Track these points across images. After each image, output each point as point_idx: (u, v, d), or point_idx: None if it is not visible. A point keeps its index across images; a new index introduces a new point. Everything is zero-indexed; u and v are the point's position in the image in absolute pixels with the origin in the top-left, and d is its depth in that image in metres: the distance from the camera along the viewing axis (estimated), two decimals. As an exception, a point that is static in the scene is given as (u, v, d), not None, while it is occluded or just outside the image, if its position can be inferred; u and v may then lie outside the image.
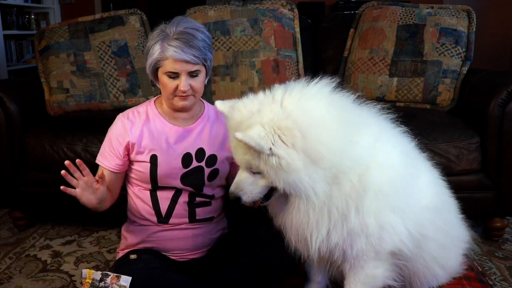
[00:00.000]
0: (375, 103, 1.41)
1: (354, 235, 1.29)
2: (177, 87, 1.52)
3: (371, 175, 1.26)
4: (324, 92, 1.26)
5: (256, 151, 1.18)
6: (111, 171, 1.61)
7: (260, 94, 1.27)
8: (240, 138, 1.15)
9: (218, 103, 1.33)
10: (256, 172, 1.24)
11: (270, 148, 1.15)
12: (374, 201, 1.27)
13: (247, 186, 1.27)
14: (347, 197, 1.25)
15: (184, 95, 1.53)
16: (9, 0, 4.74)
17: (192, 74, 1.53)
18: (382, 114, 1.41)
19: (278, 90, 1.25)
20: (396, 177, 1.31)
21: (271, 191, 1.29)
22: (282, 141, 1.15)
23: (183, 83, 1.51)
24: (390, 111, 1.43)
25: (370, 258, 1.36)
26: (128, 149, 1.61)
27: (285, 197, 1.28)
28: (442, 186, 1.54)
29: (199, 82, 1.56)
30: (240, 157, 1.25)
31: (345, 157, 1.21)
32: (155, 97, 1.71)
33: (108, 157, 1.61)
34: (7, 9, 4.79)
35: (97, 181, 1.45)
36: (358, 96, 1.38)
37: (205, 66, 1.56)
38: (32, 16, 5.19)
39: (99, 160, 1.64)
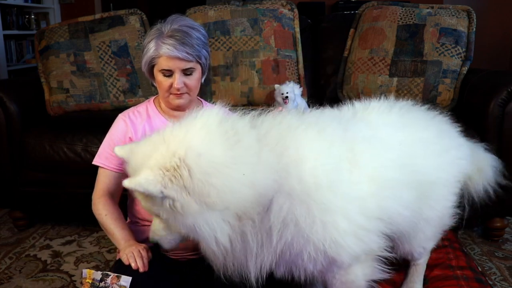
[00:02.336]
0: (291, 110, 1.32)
1: (294, 261, 1.23)
2: (171, 85, 1.53)
3: (273, 208, 1.15)
4: (211, 125, 1.15)
5: (151, 197, 1.10)
6: (113, 171, 1.60)
7: (154, 135, 1.20)
8: (127, 186, 1.07)
9: (117, 149, 1.27)
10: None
11: (162, 192, 1.07)
12: (286, 232, 1.17)
13: (161, 232, 1.22)
14: (259, 230, 1.16)
15: (178, 93, 1.53)
16: (9, 0, 4.73)
17: (186, 72, 1.53)
18: (297, 113, 1.31)
19: (168, 129, 1.18)
20: (307, 195, 1.17)
21: None
22: (173, 183, 1.07)
23: (177, 80, 1.51)
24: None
25: (338, 269, 1.29)
26: None
27: None
28: (392, 154, 1.34)
29: (193, 80, 1.56)
30: (144, 205, 1.17)
31: (243, 196, 1.10)
32: (154, 96, 1.70)
33: (110, 157, 1.59)
34: (7, 9, 4.79)
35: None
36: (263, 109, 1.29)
37: (200, 64, 1.56)
38: (32, 16, 5.19)
39: (99, 161, 1.61)
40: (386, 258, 1.37)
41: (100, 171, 1.61)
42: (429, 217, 1.46)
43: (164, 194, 1.08)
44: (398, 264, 1.59)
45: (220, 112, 1.20)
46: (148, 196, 1.11)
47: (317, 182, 1.17)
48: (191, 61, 1.52)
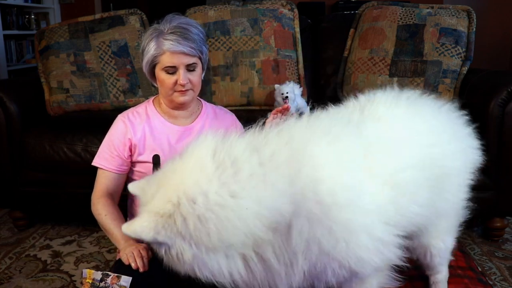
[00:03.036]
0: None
1: (318, 277, 1.19)
2: (175, 82, 1.52)
3: (293, 235, 1.09)
4: (203, 161, 1.08)
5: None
6: (113, 172, 1.60)
7: (162, 171, 1.17)
8: (124, 231, 1.07)
9: (130, 186, 1.24)
10: None
11: (156, 238, 1.04)
12: (311, 254, 1.13)
13: None
14: (283, 251, 1.12)
15: (183, 89, 1.53)
16: (9, 0, 4.73)
17: (189, 68, 1.53)
18: (304, 123, 1.21)
19: (169, 166, 1.14)
20: (327, 215, 1.11)
21: None
22: (165, 230, 1.03)
23: (182, 76, 1.51)
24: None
25: (357, 280, 1.28)
26: (131, 150, 1.60)
27: None
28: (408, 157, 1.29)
29: (196, 76, 1.56)
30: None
31: (249, 231, 1.04)
32: (154, 97, 1.70)
33: (110, 159, 1.59)
34: (7, 9, 4.78)
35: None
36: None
37: (201, 59, 1.57)
38: (32, 16, 5.18)
39: (98, 162, 1.60)
40: (398, 267, 1.35)
41: (99, 172, 1.60)
42: (445, 210, 1.43)
43: (158, 241, 1.05)
44: (409, 274, 1.57)
45: (213, 143, 1.11)
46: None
47: (336, 202, 1.11)
48: (194, 55, 1.52)
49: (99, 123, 2.05)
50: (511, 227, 2.41)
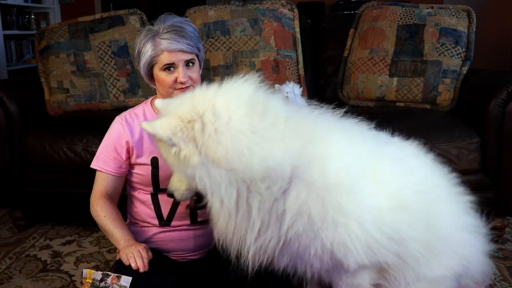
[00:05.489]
0: (325, 105, 1.32)
1: (300, 254, 1.22)
2: (175, 80, 1.52)
3: (291, 194, 1.16)
4: (242, 90, 1.20)
5: (163, 143, 1.19)
6: (112, 174, 1.59)
7: (188, 92, 1.31)
8: (143, 126, 1.19)
9: (158, 101, 1.34)
10: None
11: (171, 139, 1.15)
12: (299, 222, 1.17)
13: (176, 183, 1.29)
14: (270, 211, 1.18)
15: (184, 86, 1.52)
16: (9, 0, 4.73)
17: (188, 64, 1.53)
18: (325, 114, 1.30)
19: (202, 86, 1.24)
20: (325, 191, 1.17)
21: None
22: (182, 133, 1.15)
23: (182, 73, 1.51)
24: (349, 112, 1.34)
25: (344, 272, 1.29)
26: (129, 152, 1.59)
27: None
28: (416, 178, 1.34)
29: (195, 72, 1.56)
30: (161, 152, 1.26)
31: (251, 163, 1.12)
32: (151, 98, 1.69)
33: (108, 161, 1.58)
34: (7, 9, 4.79)
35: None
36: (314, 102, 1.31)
37: (198, 56, 1.57)
38: (32, 16, 5.19)
39: (97, 165, 1.59)
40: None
41: (98, 174, 1.60)
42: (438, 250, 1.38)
43: (172, 142, 1.15)
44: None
45: (255, 87, 1.22)
46: (162, 142, 1.19)
47: (338, 182, 1.18)
48: (192, 52, 1.53)
49: (99, 123, 2.05)
50: (511, 227, 2.41)
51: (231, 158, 1.12)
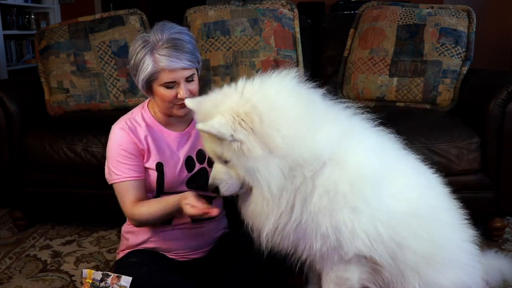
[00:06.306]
0: (352, 103, 1.42)
1: (307, 234, 1.27)
2: (176, 96, 1.50)
3: (324, 172, 1.24)
4: (286, 82, 1.28)
5: (220, 140, 1.21)
6: (136, 179, 1.55)
7: (225, 87, 1.30)
8: (201, 128, 1.19)
9: (188, 101, 1.36)
10: (226, 161, 1.26)
11: (232, 135, 1.18)
12: (324, 199, 1.24)
13: (222, 176, 1.29)
14: (296, 191, 1.24)
15: (183, 102, 1.51)
16: (9, 0, 4.74)
17: (189, 79, 1.51)
18: (358, 113, 1.39)
19: (241, 81, 1.28)
20: (355, 177, 1.26)
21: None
22: (242, 127, 1.18)
23: (183, 91, 1.48)
24: (370, 111, 1.42)
25: (337, 261, 1.33)
26: (143, 155, 1.57)
27: (251, 189, 1.29)
28: (434, 193, 1.43)
29: (195, 85, 1.54)
30: (208, 148, 1.28)
31: (301, 149, 1.21)
32: (146, 102, 1.66)
33: (126, 169, 1.53)
34: (7, 9, 4.79)
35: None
36: (339, 97, 1.41)
37: (197, 68, 1.56)
38: (32, 16, 5.19)
39: (117, 179, 1.54)
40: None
41: (120, 186, 1.55)
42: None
43: (233, 138, 1.18)
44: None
45: (297, 79, 1.31)
46: (216, 139, 1.22)
47: (369, 174, 1.27)
48: (193, 67, 1.51)
49: (99, 123, 2.05)
50: (511, 227, 2.41)
51: (287, 144, 1.19)
